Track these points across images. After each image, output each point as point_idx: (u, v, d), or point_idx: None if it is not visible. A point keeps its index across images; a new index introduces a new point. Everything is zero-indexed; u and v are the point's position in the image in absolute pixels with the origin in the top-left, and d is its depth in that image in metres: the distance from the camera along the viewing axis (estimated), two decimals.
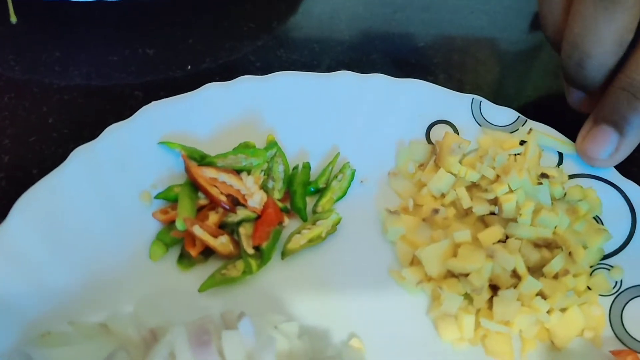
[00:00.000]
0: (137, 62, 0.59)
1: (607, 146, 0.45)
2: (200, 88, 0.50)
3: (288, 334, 0.39)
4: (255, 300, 0.44)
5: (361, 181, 0.50)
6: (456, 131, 0.52)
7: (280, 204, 0.48)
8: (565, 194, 0.48)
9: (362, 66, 0.62)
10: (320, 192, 0.49)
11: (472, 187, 0.49)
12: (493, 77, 0.62)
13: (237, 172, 0.47)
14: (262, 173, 0.48)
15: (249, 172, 0.47)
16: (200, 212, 0.46)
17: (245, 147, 0.48)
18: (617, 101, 0.44)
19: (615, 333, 0.44)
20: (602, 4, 0.40)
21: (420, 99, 0.52)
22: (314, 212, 0.48)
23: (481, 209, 0.47)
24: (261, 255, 0.45)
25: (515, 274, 0.44)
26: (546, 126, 0.51)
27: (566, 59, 0.45)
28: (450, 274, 0.45)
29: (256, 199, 0.46)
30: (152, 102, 0.49)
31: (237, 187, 0.46)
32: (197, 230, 0.43)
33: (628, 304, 0.45)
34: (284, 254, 0.45)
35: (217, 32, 0.63)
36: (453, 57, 0.64)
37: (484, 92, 0.56)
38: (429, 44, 0.65)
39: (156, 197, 0.46)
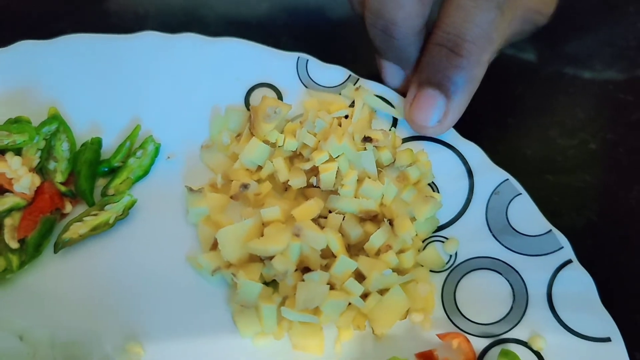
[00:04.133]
0: None
1: (434, 111, 0.41)
2: None
3: (34, 343, 0.33)
4: (14, 304, 0.38)
5: (168, 157, 0.45)
6: (280, 95, 0.47)
7: (63, 188, 0.42)
8: (394, 160, 0.43)
9: (194, 29, 0.56)
10: (115, 172, 0.43)
11: (295, 158, 0.44)
12: (347, 42, 0.57)
13: (2, 152, 0.41)
14: (39, 152, 0.42)
15: (18, 153, 0.41)
16: None
17: (12, 123, 0.41)
18: (436, 59, 0.40)
19: (447, 313, 0.40)
20: None
21: (238, 59, 0.47)
22: (104, 195, 0.42)
23: (298, 181, 0.42)
24: (26, 250, 0.38)
25: (329, 254, 0.40)
26: (380, 85, 0.47)
27: (372, 30, 0.40)
28: (256, 259, 0.40)
29: (24, 183, 0.40)
30: None
31: (1, 171, 0.40)
32: None
33: (462, 280, 0.41)
34: (57, 246, 0.39)
35: None
36: (301, 19, 0.59)
37: (333, 60, 0.49)
38: (274, 4, 0.60)
39: None
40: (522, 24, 0.42)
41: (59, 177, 0.42)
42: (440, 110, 0.41)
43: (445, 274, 0.41)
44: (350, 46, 0.54)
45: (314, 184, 0.42)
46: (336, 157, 0.42)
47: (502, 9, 0.38)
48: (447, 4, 0.39)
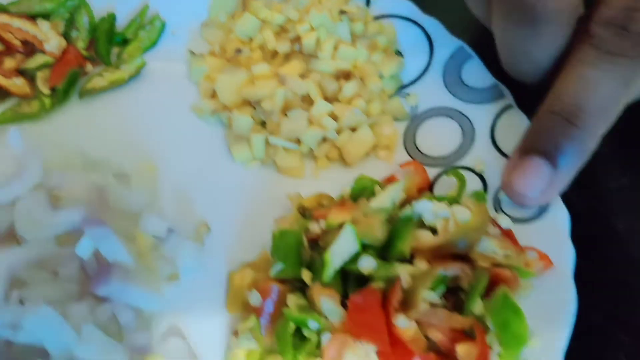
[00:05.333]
0: None
1: (538, 181, 0.40)
2: None
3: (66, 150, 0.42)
4: (53, 135, 0.47)
5: (172, 32, 0.53)
6: None
7: (85, 52, 0.51)
8: (366, 31, 0.52)
9: None
10: (127, 42, 0.52)
11: (281, 32, 0.53)
12: None
13: (34, 19, 0.50)
14: (64, 22, 0.51)
15: (47, 19, 0.50)
16: None
17: None
18: (548, 128, 0.39)
19: (408, 152, 0.49)
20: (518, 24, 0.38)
21: None
22: (119, 58, 0.51)
23: (284, 47, 0.51)
24: (57, 95, 0.48)
25: (309, 101, 0.49)
26: None
27: (505, 16, 0.41)
28: (248, 104, 0.49)
29: (53, 44, 0.49)
30: None
31: (33, 33, 0.49)
32: None
33: (421, 125, 0.50)
34: (81, 94, 0.49)
35: None
36: None
37: None
38: None
39: None
40: None
41: (81, 44, 0.51)
42: (545, 180, 0.39)
43: (407, 122, 0.50)
44: None
45: (297, 49, 0.51)
46: (316, 27, 0.51)
47: (628, 83, 0.37)
48: (568, 73, 0.39)
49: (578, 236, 0.43)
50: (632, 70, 0.38)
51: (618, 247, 0.48)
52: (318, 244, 0.42)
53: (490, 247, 0.40)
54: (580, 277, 0.42)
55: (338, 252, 0.39)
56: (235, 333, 0.40)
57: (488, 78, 0.50)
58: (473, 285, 0.39)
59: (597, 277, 0.46)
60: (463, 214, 0.40)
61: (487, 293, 0.39)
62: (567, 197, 0.45)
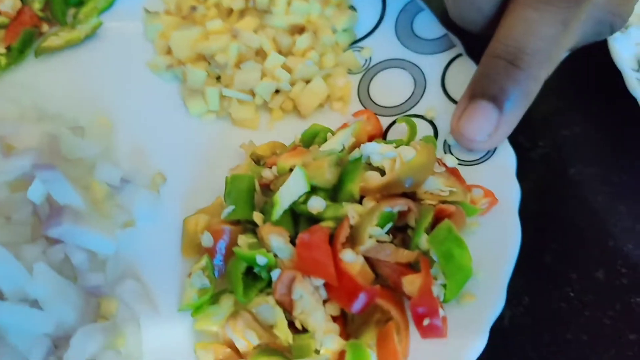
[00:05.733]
0: None
1: (485, 124, 0.41)
2: None
3: (21, 105, 0.43)
4: (9, 91, 0.48)
5: None
6: None
7: (40, 13, 0.51)
8: None
9: None
10: (83, 3, 0.53)
11: None
12: None
13: None
14: None
15: None
16: None
17: None
18: (492, 71, 0.41)
19: (362, 103, 0.50)
20: None
21: None
22: (75, 18, 0.52)
23: (238, 3, 0.52)
24: (12, 54, 0.48)
25: (263, 55, 0.50)
26: None
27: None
28: (202, 59, 0.50)
29: (7, 4, 0.50)
30: None
31: None
32: None
33: (375, 77, 0.51)
34: (37, 52, 0.49)
35: None
36: None
37: None
38: None
39: None
40: (594, 26, 0.42)
41: (37, 5, 0.52)
42: (492, 124, 0.41)
43: (361, 74, 0.51)
44: None
45: (252, 6, 0.52)
46: None
47: (567, 24, 0.38)
48: (509, 16, 0.40)
49: (531, 181, 0.45)
50: (569, 11, 0.39)
51: (568, 191, 0.49)
52: (271, 190, 0.43)
53: (436, 185, 0.41)
54: (532, 219, 0.43)
55: (287, 193, 0.40)
56: (190, 275, 0.41)
57: (439, 29, 0.51)
58: (419, 221, 0.40)
59: (548, 218, 0.47)
60: (408, 152, 0.41)
61: (433, 228, 0.40)
62: (521, 144, 0.47)
